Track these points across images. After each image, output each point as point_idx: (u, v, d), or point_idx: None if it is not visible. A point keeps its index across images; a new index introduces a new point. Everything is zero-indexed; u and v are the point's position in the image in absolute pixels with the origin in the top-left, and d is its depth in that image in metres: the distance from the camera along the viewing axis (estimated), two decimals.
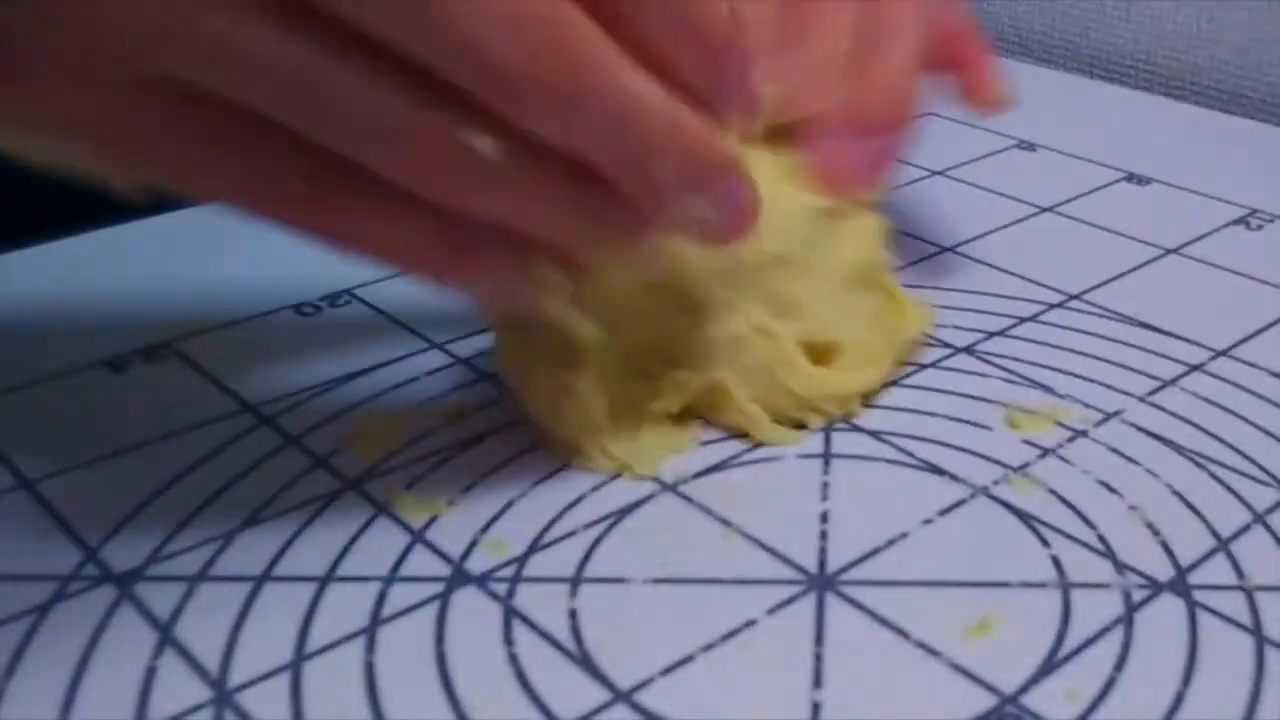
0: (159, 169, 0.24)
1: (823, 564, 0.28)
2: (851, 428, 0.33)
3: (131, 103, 0.23)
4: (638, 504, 0.30)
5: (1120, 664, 0.25)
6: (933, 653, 0.26)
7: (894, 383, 0.34)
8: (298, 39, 0.22)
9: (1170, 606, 0.27)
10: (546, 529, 0.29)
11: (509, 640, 0.26)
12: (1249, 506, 0.30)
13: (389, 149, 0.24)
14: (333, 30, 0.22)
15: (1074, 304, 0.38)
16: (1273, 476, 0.31)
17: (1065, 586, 0.27)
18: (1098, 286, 0.39)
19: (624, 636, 0.26)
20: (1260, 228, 0.43)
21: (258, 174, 0.24)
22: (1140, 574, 0.28)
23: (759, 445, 0.32)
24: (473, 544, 0.29)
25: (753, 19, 0.33)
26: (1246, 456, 0.31)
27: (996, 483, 0.31)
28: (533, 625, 0.26)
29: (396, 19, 0.22)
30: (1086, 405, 0.33)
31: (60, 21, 0.22)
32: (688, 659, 0.26)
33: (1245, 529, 0.29)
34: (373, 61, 0.22)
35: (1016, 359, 0.36)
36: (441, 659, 0.26)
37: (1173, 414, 0.33)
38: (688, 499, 0.30)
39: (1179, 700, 0.24)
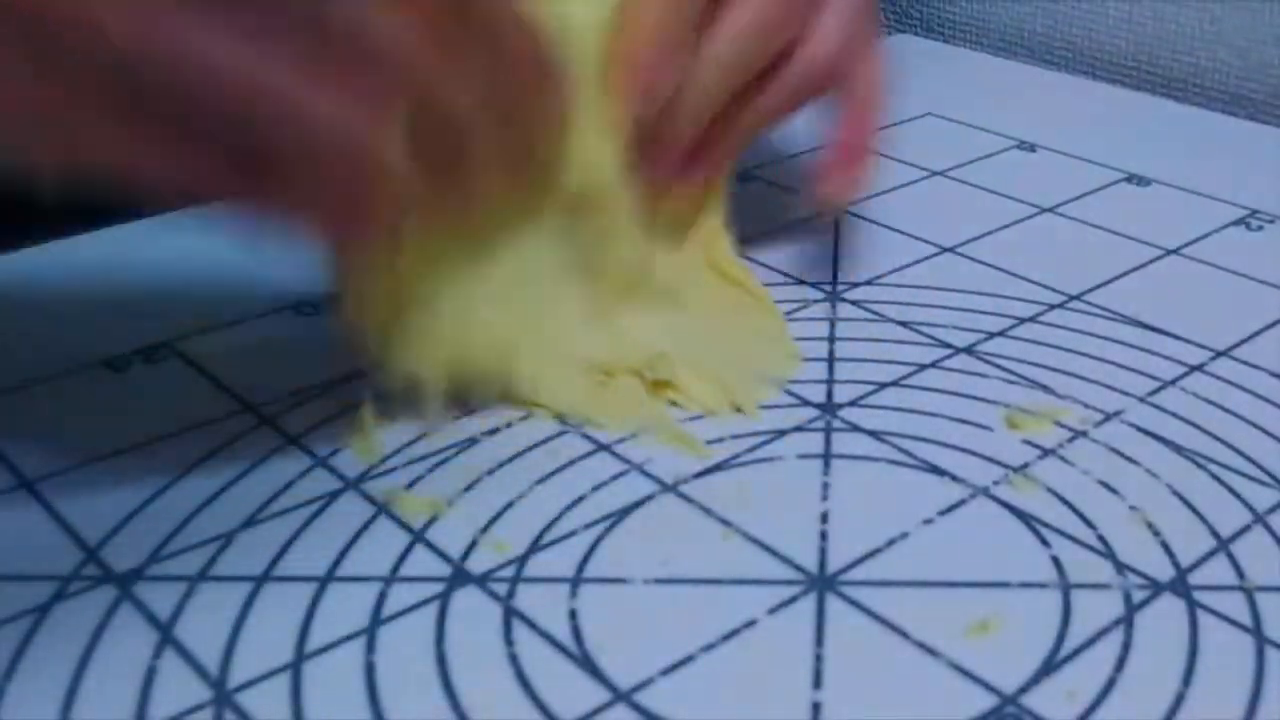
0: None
1: (823, 564, 0.28)
2: (852, 428, 0.33)
3: None
4: (638, 504, 0.30)
5: (1120, 664, 0.25)
6: (933, 653, 0.26)
7: (894, 383, 0.35)
8: None
9: (1170, 606, 0.27)
10: (546, 529, 0.29)
11: (509, 640, 0.26)
12: (1249, 506, 0.30)
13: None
14: None
15: (1074, 304, 0.38)
16: (1273, 476, 0.31)
17: (1065, 587, 0.27)
18: (1098, 286, 0.39)
19: (624, 636, 0.26)
20: (1260, 228, 0.43)
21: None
22: (1140, 574, 0.28)
23: (760, 445, 0.32)
24: (473, 544, 0.29)
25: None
26: (1246, 456, 0.31)
27: (996, 483, 0.31)
28: (533, 625, 0.26)
29: None
30: (1086, 405, 0.33)
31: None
32: (688, 659, 0.26)
33: (1245, 529, 0.29)
34: None
35: (1016, 359, 0.36)
36: (441, 659, 0.26)
37: (1173, 414, 0.33)
38: (688, 499, 0.30)
39: (1179, 700, 0.24)
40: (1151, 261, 0.41)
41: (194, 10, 0.23)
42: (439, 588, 0.28)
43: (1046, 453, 0.32)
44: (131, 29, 0.23)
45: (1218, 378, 0.35)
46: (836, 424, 0.33)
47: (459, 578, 0.28)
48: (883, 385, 0.34)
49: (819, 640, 0.26)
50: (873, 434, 0.32)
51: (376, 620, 0.27)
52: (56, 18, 0.22)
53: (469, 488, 0.31)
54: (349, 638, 0.26)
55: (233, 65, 0.24)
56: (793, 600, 0.27)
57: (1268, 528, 0.29)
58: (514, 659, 0.26)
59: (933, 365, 0.35)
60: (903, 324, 0.37)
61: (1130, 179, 0.47)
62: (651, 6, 0.32)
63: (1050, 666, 0.25)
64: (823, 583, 0.28)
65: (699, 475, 0.31)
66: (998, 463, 0.31)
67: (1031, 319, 0.38)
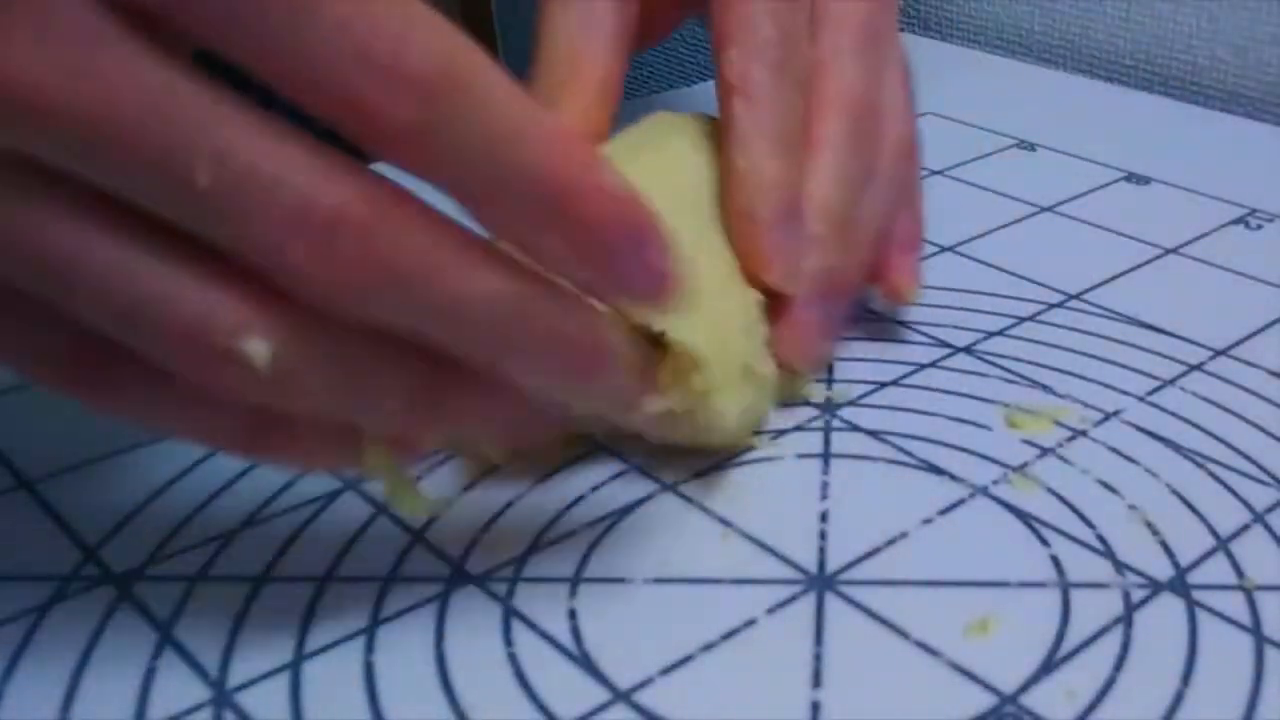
0: None
1: (822, 564, 0.28)
2: (851, 427, 0.33)
3: None
4: (638, 504, 0.30)
5: (1120, 664, 0.25)
6: (933, 653, 0.26)
7: (894, 382, 0.35)
8: (59, 215, 0.20)
9: (1170, 606, 0.27)
10: (546, 529, 0.29)
11: (509, 640, 0.26)
12: (1249, 506, 0.30)
13: (149, 332, 0.21)
14: (103, 207, 0.20)
15: (1074, 304, 0.38)
16: (1273, 476, 0.31)
17: (1065, 586, 0.27)
18: (1098, 286, 0.39)
19: (624, 636, 0.26)
20: (1260, 228, 0.43)
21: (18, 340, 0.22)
22: (1140, 574, 0.28)
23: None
24: (473, 544, 0.29)
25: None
26: (1246, 456, 0.31)
27: (996, 482, 0.31)
28: (533, 625, 0.26)
29: (183, 202, 0.20)
30: (1086, 405, 0.33)
31: None
32: (687, 659, 0.26)
33: (1245, 529, 0.29)
34: (139, 240, 0.20)
35: (1016, 359, 0.36)
36: (441, 659, 0.26)
37: (1173, 414, 0.33)
38: (688, 499, 0.30)
39: (1179, 700, 0.24)
40: (1151, 260, 0.41)
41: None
42: (439, 588, 0.28)
43: (1046, 452, 0.32)
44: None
45: (1217, 377, 0.35)
46: (836, 423, 0.33)
47: (459, 578, 0.28)
48: (882, 385, 0.34)
49: (818, 640, 0.26)
50: (872, 433, 0.32)
51: (376, 620, 0.27)
52: None
53: (469, 488, 0.31)
54: (349, 638, 0.26)
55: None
56: (792, 600, 0.27)
57: (1267, 527, 0.29)
58: (513, 659, 0.26)
59: (932, 365, 0.35)
60: (902, 324, 0.37)
61: (1129, 178, 0.47)
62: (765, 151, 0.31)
63: (1049, 665, 0.25)
64: (822, 582, 0.28)
65: (698, 475, 0.31)
66: (997, 462, 0.31)
67: (1031, 318, 0.38)
